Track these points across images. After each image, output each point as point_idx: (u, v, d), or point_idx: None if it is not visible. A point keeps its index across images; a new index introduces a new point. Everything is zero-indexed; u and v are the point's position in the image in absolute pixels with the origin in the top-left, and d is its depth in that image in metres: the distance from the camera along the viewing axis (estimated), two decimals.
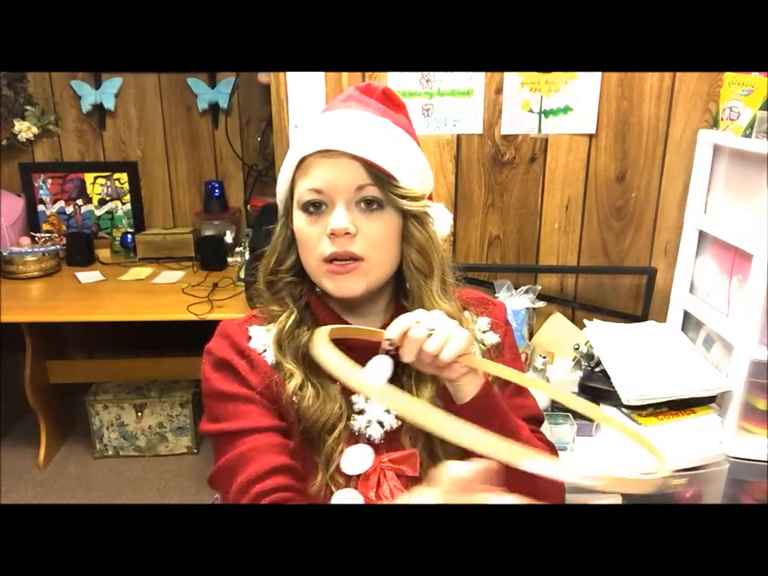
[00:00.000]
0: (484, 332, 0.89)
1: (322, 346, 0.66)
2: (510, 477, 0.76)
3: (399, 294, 0.86)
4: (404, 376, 0.82)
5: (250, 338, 0.85)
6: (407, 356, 0.71)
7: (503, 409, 0.79)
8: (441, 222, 0.85)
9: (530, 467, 0.55)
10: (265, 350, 0.84)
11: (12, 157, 2.53)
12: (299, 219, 0.79)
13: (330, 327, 0.72)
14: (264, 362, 0.82)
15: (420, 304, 0.82)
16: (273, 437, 0.79)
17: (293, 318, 0.83)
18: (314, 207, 0.78)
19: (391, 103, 0.84)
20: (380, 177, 0.77)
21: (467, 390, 0.76)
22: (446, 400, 0.78)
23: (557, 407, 1.53)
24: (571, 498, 0.91)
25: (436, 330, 0.70)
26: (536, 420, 0.92)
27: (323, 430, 0.79)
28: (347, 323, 0.83)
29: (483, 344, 0.88)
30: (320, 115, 0.82)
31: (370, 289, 0.80)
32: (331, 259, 0.77)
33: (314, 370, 0.81)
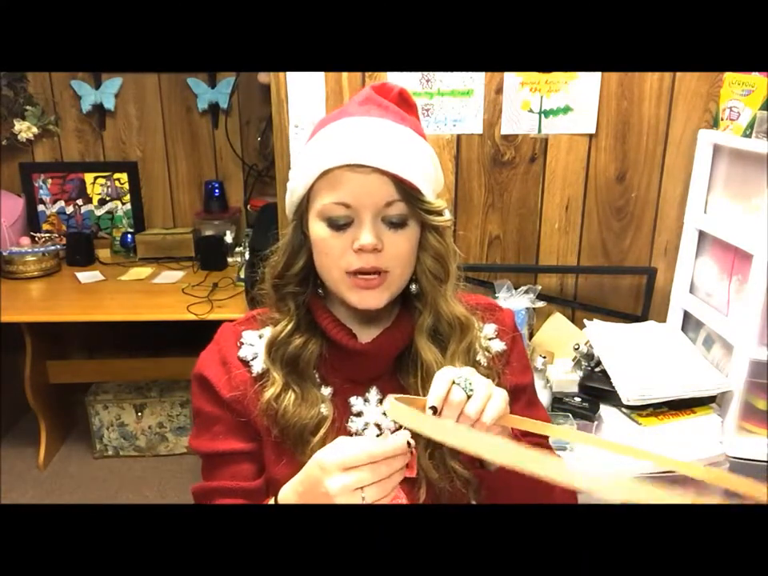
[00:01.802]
0: (490, 339, 0.88)
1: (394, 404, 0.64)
2: (528, 486, 0.76)
3: (403, 294, 0.86)
4: (428, 447, 0.80)
5: (241, 344, 0.85)
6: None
7: None
8: None
9: None
10: (254, 358, 0.84)
11: (12, 157, 2.53)
12: (320, 230, 0.78)
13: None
14: (244, 375, 0.83)
15: (433, 307, 0.82)
16: (234, 466, 0.83)
17: (290, 325, 0.83)
18: (340, 221, 0.77)
19: (406, 105, 0.84)
20: (408, 192, 0.76)
21: None
22: (476, 468, 0.77)
23: (557, 407, 1.53)
24: None
25: (475, 391, 0.67)
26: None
27: (305, 431, 0.79)
28: (348, 328, 0.84)
29: (489, 351, 0.87)
30: (340, 121, 0.79)
31: (390, 300, 0.81)
32: (356, 273, 0.77)
33: (297, 375, 0.82)
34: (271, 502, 0.74)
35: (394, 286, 0.80)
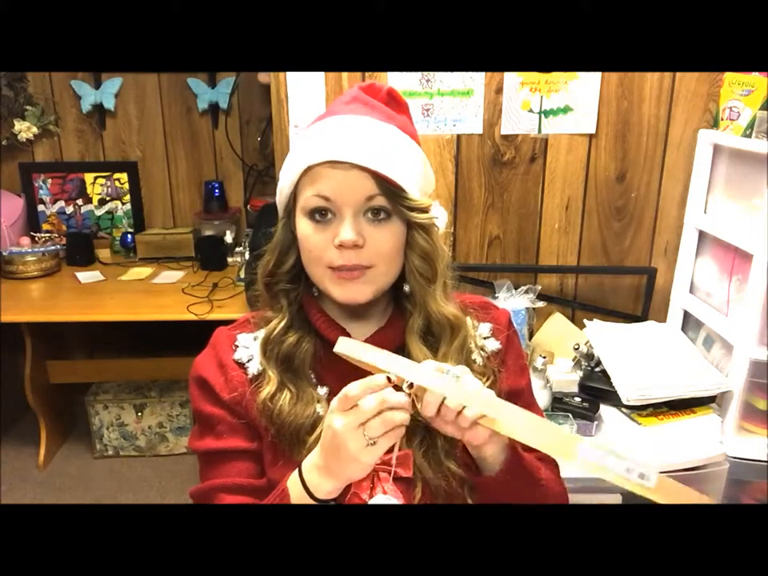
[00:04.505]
0: (485, 338, 0.88)
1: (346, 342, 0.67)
2: (514, 484, 0.77)
3: (397, 295, 0.86)
4: (422, 446, 0.80)
5: (236, 347, 0.86)
6: (427, 409, 0.67)
7: (531, 468, 0.78)
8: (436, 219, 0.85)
9: None
10: (250, 360, 0.84)
11: (12, 157, 2.53)
12: (304, 226, 0.78)
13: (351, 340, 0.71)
14: (240, 376, 0.83)
15: (423, 307, 0.82)
16: (238, 464, 0.83)
17: (283, 323, 0.83)
18: (321, 215, 0.77)
19: (395, 104, 0.83)
20: (389, 188, 0.76)
21: (495, 457, 0.74)
22: (472, 473, 0.77)
23: (557, 407, 1.53)
24: (571, 498, 0.91)
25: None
26: None
27: (302, 431, 0.79)
28: (342, 328, 0.84)
29: (484, 350, 0.87)
30: (325, 120, 0.80)
31: (376, 295, 0.80)
32: (339, 268, 0.77)
33: (292, 374, 0.82)
34: (294, 472, 0.74)
35: (378, 282, 0.79)
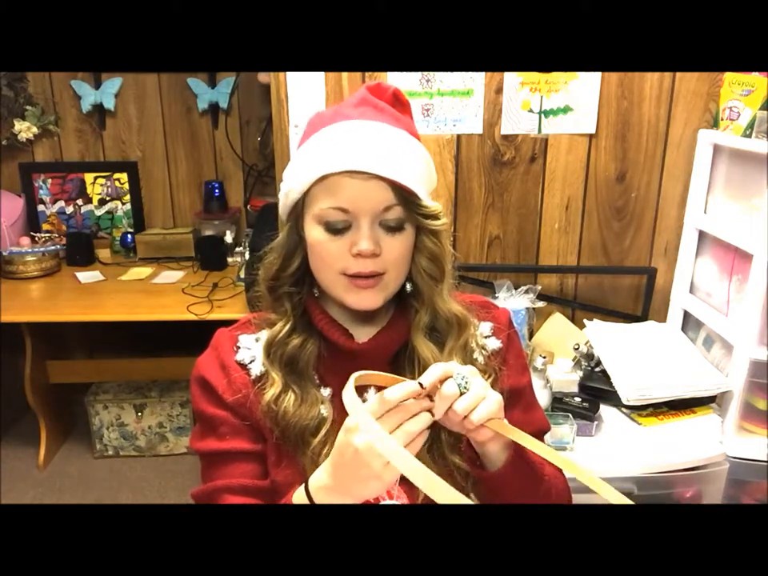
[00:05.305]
0: (486, 337, 0.89)
1: (349, 391, 0.65)
2: (516, 483, 0.77)
3: (399, 294, 0.86)
4: (426, 441, 0.80)
5: (238, 348, 0.85)
6: (436, 412, 0.68)
7: (534, 464, 0.79)
8: None
9: None
10: (252, 361, 0.84)
11: (12, 157, 2.53)
12: (317, 233, 0.78)
13: (357, 374, 0.68)
14: (243, 378, 0.83)
15: (430, 305, 0.83)
16: (242, 465, 0.83)
17: (288, 326, 0.83)
18: (337, 225, 0.77)
19: (400, 105, 0.84)
20: (405, 197, 0.77)
21: (497, 454, 0.75)
22: (476, 467, 0.78)
23: (557, 407, 1.53)
24: (572, 498, 0.91)
25: (469, 390, 0.68)
26: (543, 432, 0.93)
27: (306, 432, 0.79)
28: (344, 329, 0.84)
29: (485, 349, 0.87)
30: (337, 125, 0.78)
31: (386, 301, 0.81)
32: (353, 276, 0.77)
33: (296, 376, 0.82)
34: (300, 490, 0.72)
35: (390, 287, 0.80)
